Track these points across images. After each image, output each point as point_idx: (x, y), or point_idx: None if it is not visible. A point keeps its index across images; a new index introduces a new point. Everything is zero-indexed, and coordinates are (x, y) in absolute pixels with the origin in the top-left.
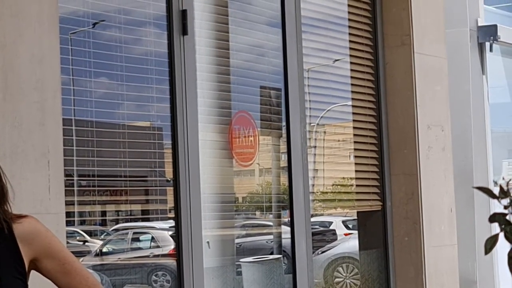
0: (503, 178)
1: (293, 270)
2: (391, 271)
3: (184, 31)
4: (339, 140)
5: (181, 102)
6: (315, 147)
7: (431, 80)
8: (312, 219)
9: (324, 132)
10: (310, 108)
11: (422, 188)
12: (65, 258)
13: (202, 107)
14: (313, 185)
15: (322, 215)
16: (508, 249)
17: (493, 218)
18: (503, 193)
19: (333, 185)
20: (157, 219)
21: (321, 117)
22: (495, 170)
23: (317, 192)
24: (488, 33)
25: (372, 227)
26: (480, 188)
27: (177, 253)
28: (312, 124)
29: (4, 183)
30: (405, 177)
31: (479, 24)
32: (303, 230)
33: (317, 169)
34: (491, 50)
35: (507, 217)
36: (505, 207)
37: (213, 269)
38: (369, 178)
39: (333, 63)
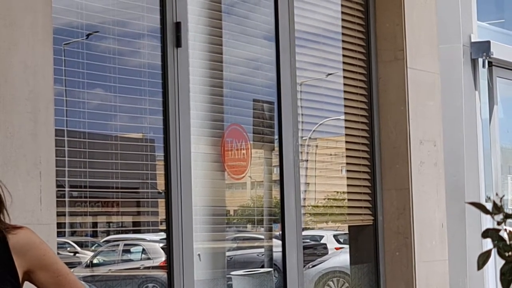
0: (497, 194)
1: (283, 284)
2: (381, 286)
3: (178, 43)
4: (331, 154)
5: (174, 114)
6: (307, 160)
7: (423, 95)
8: (303, 233)
9: (316, 146)
10: (302, 122)
11: (414, 203)
12: (59, 270)
13: (195, 119)
14: (304, 198)
15: (313, 229)
16: (498, 266)
17: (486, 234)
18: (497, 209)
19: (324, 199)
20: (148, 231)
21: (314, 130)
22: (497, 186)
23: (309, 206)
24: (481, 49)
25: (364, 242)
26: (473, 204)
27: (168, 265)
28: (304, 138)
29: (1, 193)
30: (397, 192)
31: (472, 40)
32: (294, 243)
33: (308, 183)
34: (483, 66)
35: (500, 233)
36: (498, 223)
37: (203, 282)
38: (360, 193)
39: (326, 77)
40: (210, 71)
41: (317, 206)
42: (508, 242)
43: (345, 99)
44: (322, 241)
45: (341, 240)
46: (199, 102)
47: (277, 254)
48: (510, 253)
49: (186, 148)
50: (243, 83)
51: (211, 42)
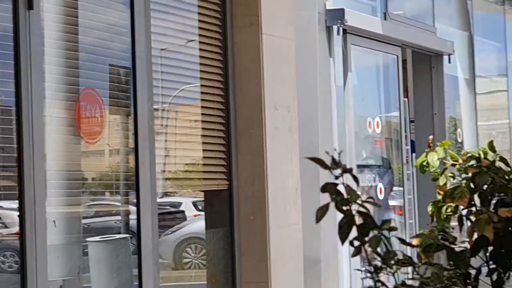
0: (335, 149)
1: (138, 250)
2: (236, 250)
3: (30, 5)
4: (190, 121)
5: (26, 78)
6: (166, 127)
7: (278, 62)
8: (162, 200)
9: (176, 112)
10: (162, 87)
11: (269, 168)
12: None
13: (49, 83)
14: (164, 164)
15: (173, 195)
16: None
17: (325, 188)
18: (335, 164)
19: (181, 164)
20: (4, 198)
21: (173, 96)
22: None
23: (166, 172)
24: (336, 17)
25: (219, 207)
26: (311, 159)
27: (21, 232)
28: (163, 105)
29: None
30: (251, 157)
31: (327, 8)
32: (149, 210)
33: (167, 149)
34: (338, 33)
35: (338, 187)
36: (336, 178)
37: (58, 247)
38: (216, 157)
39: (187, 44)
40: (65, 34)
41: (174, 172)
42: (345, 196)
43: (201, 64)
44: (180, 208)
45: (200, 207)
46: (54, 66)
47: (133, 221)
48: (347, 207)
49: (39, 112)
50: (100, 47)
51: (66, 5)
